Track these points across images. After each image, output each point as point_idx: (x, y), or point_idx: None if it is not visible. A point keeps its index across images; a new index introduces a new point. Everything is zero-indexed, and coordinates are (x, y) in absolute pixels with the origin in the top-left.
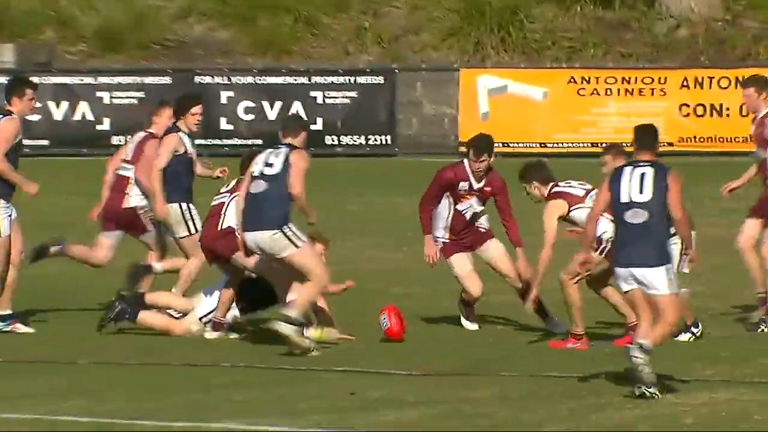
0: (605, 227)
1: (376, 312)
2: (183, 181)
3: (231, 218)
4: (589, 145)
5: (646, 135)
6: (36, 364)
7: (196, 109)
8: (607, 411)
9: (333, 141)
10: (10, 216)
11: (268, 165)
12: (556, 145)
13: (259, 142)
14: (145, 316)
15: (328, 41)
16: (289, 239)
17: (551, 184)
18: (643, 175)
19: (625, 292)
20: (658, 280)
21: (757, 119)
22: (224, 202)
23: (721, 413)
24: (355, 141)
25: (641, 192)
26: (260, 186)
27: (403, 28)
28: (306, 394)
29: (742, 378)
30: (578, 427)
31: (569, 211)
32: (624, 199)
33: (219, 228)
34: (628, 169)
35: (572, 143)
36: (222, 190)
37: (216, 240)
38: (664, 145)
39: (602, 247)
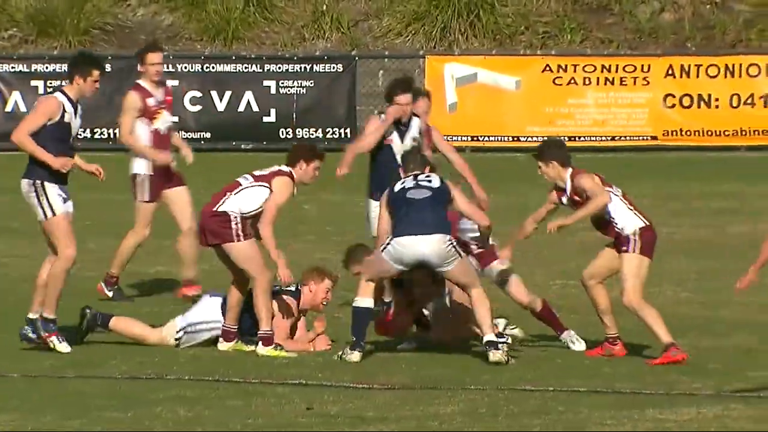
0: (631, 222)
1: (331, 320)
2: None
3: (233, 204)
4: (567, 138)
5: None
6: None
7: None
8: (583, 426)
9: (287, 134)
10: (63, 197)
11: None
12: (529, 138)
13: (207, 135)
14: (118, 322)
15: (282, 26)
16: None
17: (570, 169)
18: None
19: None
20: None
21: None
22: (241, 184)
23: (708, 429)
24: (311, 134)
25: None
26: None
27: (364, 12)
28: (257, 409)
29: (731, 392)
30: None
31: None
32: None
33: (215, 207)
34: None
35: (548, 137)
36: (256, 173)
37: (208, 218)
38: (647, 139)
39: (631, 243)
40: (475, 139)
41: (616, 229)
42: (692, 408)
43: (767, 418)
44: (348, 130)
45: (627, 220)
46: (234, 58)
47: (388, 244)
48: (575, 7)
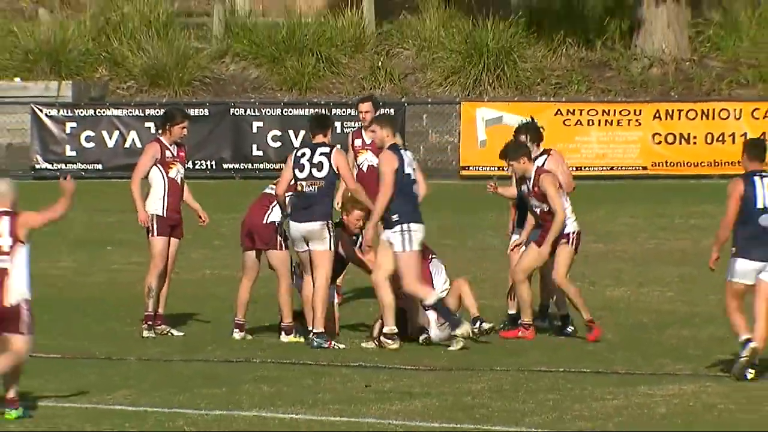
0: (572, 223)
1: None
2: None
3: (276, 214)
4: (574, 168)
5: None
6: (91, 360)
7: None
8: (588, 403)
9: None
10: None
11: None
12: None
13: None
14: None
15: (346, 78)
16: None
17: (536, 166)
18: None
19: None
20: None
21: None
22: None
23: (689, 403)
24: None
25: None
26: None
27: (412, 67)
28: (326, 387)
29: (707, 372)
30: (562, 416)
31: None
32: (759, 205)
33: (265, 218)
34: (757, 179)
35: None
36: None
37: (259, 228)
38: (638, 169)
39: (571, 238)
40: (501, 169)
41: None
42: (675, 385)
43: (735, 393)
44: None
45: (570, 221)
46: (307, 104)
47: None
48: (581, 63)
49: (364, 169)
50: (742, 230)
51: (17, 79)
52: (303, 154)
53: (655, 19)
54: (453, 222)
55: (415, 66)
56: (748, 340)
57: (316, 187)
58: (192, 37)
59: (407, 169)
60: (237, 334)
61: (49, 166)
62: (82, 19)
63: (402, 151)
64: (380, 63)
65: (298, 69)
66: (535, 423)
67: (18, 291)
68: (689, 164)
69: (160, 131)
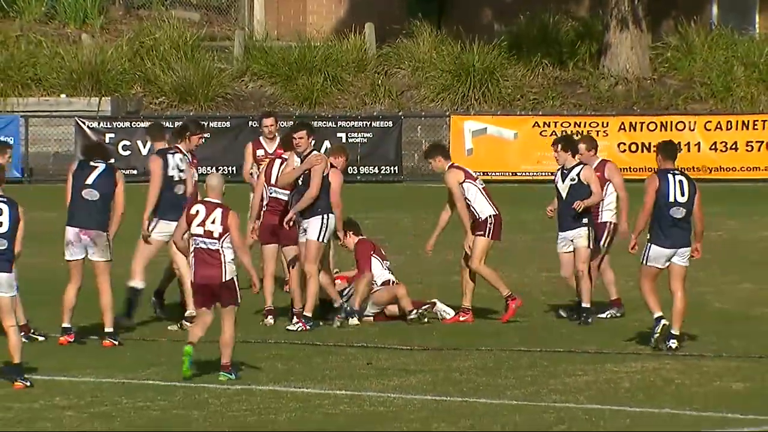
0: (486, 209)
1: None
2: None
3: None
4: (549, 174)
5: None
6: (127, 341)
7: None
8: (561, 378)
9: (353, 171)
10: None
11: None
12: (523, 174)
13: None
14: None
15: (350, 95)
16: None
17: (450, 161)
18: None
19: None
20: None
21: None
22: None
23: (650, 379)
24: (370, 171)
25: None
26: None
27: (407, 84)
28: (333, 364)
29: (666, 351)
30: (539, 390)
31: (463, 182)
32: (671, 199)
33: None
34: (670, 176)
35: (536, 172)
36: None
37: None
38: None
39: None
40: (486, 174)
41: (476, 215)
42: (638, 363)
43: (690, 370)
44: (396, 168)
45: (484, 208)
46: (316, 117)
47: None
48: (556, 82)
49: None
50: (656, 221)
51: (63, 96)
52: None
53: (620, 43)
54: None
55: (411, 84)
56: (660, 318)
57: None
58: (215, 59)
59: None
60: (270, 320)
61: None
62: (120, 43)
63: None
64: (380, 81)
65: (308, 86)
66: (515, 396)
67: (230, 269)
68: (650, 169)
69: (179, 140)
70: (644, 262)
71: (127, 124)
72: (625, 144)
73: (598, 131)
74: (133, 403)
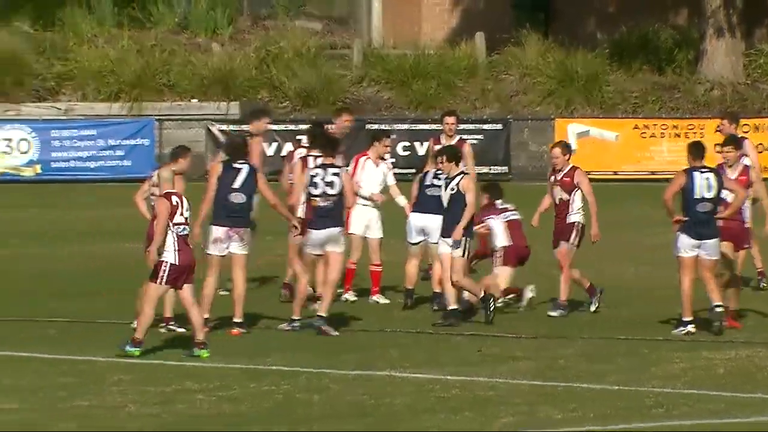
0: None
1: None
2: None
3: None
4: (649, 173)
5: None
6: (252, 328)
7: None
8: (661, 364)
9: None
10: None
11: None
12: (624, 173)
13: (413, 171)
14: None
15: (461, 99)
16: None
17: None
18: (708, 178)
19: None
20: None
21: None
22: None
23: (743, 365)
24: (480, 171)
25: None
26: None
27: (515, 89)
28: (445, 351)
29: (759, 340)
30: (637, 377)
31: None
32: (697, 195)
33: None
34: (696, 173)
35: (636, 172)
36: None
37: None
38: None
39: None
40: (589, 173)
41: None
42: (732, 351)
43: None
44: (506, 168)
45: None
46: (429, 120)
47: None
48: (654, 87)
49: None
50: (685, 214)
51: (194, 100)
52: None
53: (715, 50)
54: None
55: (518, 89)
56: (689, 322)
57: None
58: (336, 66)
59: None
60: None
61: None
62: (247, 52)
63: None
64: (489, 86)
65: (422, 91)
66: (616, 381)
67: None
68: None
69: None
70: (676, 253)
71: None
72: (720, 145)
73: (695, 133)
74: (258, 387)
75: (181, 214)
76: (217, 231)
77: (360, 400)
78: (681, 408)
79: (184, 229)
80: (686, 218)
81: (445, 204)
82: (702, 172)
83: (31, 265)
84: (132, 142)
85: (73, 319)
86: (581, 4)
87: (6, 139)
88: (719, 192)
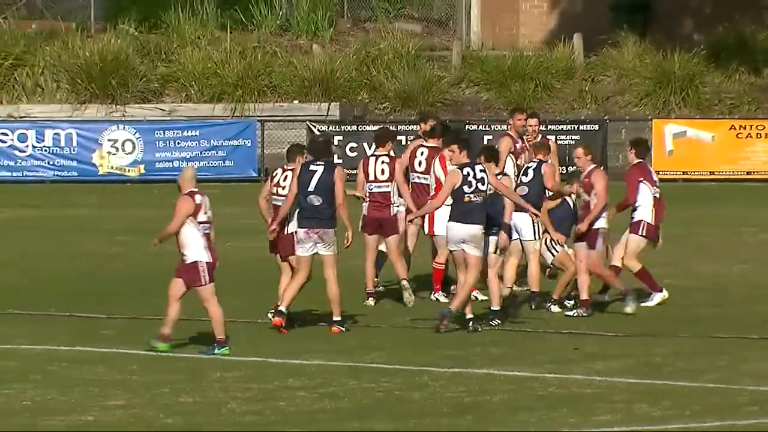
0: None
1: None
2: None
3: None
4: (745, 173)
5: None
6: (353, 326)
7: None
8: (754, 363)
9: (563, 171)
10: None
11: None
12: (721, 173)
13: None
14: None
15: (559, 100)
16: None
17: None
18: None
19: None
20: None
21: None
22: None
23: None
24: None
25: None
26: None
27: (612, 90)
28: (542, 349)
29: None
30: (732, 375)
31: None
32: None
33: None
34: None
35: (732, 172)
36: None
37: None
38: None
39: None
40: (685, 173)
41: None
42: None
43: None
44: (602, 168)
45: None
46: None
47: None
48: (751, 88)
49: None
50: None
51: (296, 101)
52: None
53: None
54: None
55: (615, 90)
56: None
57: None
58: (435, 67)
59: None
60: (371, 301)
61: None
62: (348, 53)
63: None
64: (587, 87)
65: (520, 92)
66: (710, 379)
67: None
68: None
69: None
70: None
71: (354, 127)
72: None
73: None
74: (359, 385)
75: (204, 213)
76: (299, 232)
77: (459, 397)
78: None
79: (206, 228)
80: None
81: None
82: None
83: (137, 264)
84: (234, 142)
85: (178, 317)
86: (679, 6)
87: (111, 140)
88: None
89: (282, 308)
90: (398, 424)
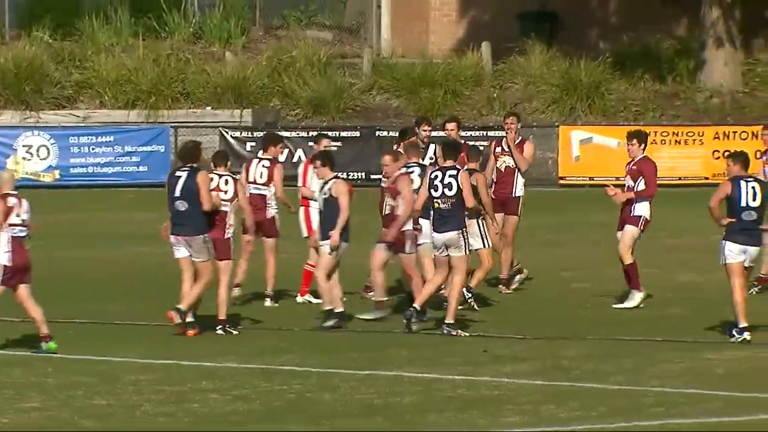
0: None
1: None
2: None
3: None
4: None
5: None
6: (265, 330)
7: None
8: (660, 365)
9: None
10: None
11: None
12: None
13: None
14: None
15: (468, 107)
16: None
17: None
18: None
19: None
20: None
21: None
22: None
23: (742, 366)
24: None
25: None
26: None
27: (520, 97)
28: (452, 352)
29: (757, 341)
30: (638, 377)
31: None
32: (743, 203)
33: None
34: (742, 182)
35: None
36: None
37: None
38: (701, 179)
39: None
40: (592, 179)
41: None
42: (731, 352)
43: None
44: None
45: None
46: (437, 127)
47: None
48: (656, 95)
49: (502, 169)
50: (731, 222)
51: (208, 108)
52: (435, 176)
53: (715, 59)
54: (554, 220)
55: (523, 97)
56: (744, 329)
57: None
58: (346, 75)
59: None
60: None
61: (236, 176)
62: (260, 61)
63: None
64: (495, 94)
65: (430, 99)
66: (617, 381)
67: None
68: None
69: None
70: (722, 261)
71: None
72: (719, 151)
73: (694, 140)
74: (271, 387)
75: (17, 216)
76: (171, 237)
77: (369, 399)
78: (679, 407)
79: (17, 230)
80: (729, 228)
81: (321, 207)
82: (747, 181)
83: (51, 268)
84: (148, 148)
85: (90, 321)
86: (585, 16)
87: (26, 146)
88: (764, 201)
89: (182, 307)
90: (309, 425)
